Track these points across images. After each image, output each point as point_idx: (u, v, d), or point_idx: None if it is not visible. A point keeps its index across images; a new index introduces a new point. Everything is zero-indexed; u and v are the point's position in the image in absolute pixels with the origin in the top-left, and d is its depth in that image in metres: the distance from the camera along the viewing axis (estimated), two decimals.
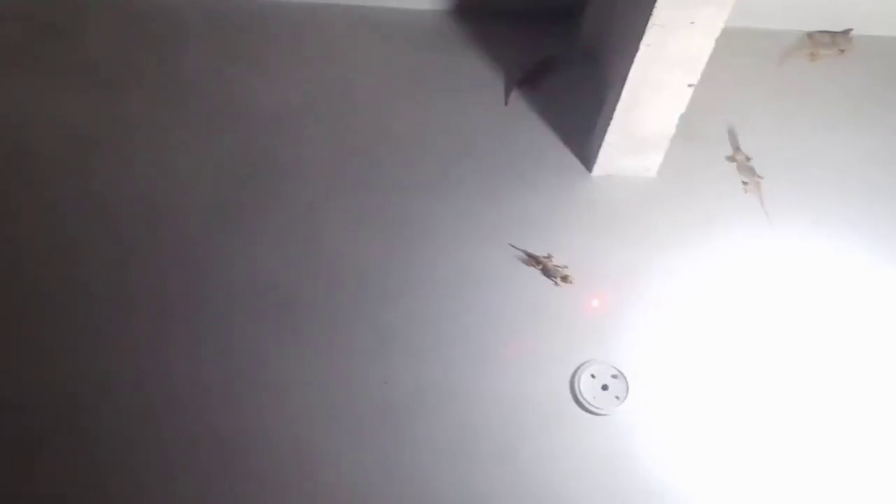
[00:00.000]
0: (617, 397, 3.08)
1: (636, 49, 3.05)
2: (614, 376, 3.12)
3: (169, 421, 2.98)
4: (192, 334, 3.14)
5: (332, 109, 3.70)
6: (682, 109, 3.30)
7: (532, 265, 3.32)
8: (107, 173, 3.49)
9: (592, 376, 3.11)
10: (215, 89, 3.73)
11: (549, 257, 3.32)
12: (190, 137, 3.59)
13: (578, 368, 3.13)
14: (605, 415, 3.06)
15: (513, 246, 3.35)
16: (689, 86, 3.20)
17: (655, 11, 2.92)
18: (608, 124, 3.36)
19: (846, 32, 4.07)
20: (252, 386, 3.05)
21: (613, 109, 3.30)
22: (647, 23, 2.96)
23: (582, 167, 3.61)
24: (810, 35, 4.07)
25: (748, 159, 3.66)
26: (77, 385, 3.03)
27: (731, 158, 3.68)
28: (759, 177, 3.61)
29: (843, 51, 4.05)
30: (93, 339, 3.12)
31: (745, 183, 3.61)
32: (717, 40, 3.03)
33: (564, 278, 3.27)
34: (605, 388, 3.09)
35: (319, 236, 3.37)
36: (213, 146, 3.57)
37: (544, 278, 3.30)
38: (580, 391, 3.07)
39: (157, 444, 2.94)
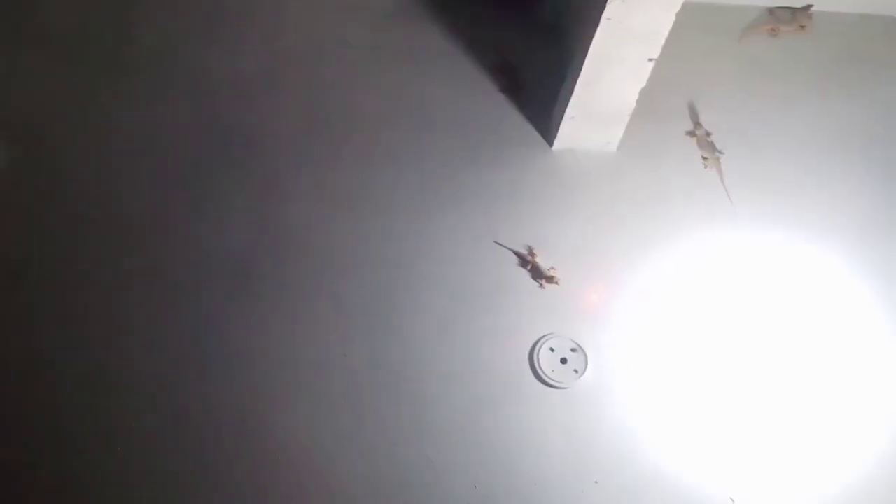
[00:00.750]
0: (576, 371, 3.09)
1: (597, 23, 3.05)
2: (573, 350, 3.13)
3: (128, 394, 2.96)
4: (152, 306, 3.12)
5: (294, 81, 3.69)
6: (643, 84, 3.30)
7: (522, 266, 3.31)
8: (61, 144, 3.45)
9: (551, 350, 3.12)
10: (174, 60, 3.70)
11: (533, 254, 3.32)
12: (148, 108, 3.56)
13: (538, 342, 3.13)
14: (563, 388, 3.07)
15: (499, 244, 3.35)
16: (650, 60, 3.19)
17: None
18: (569, 98, 3.36)
19: (806, 8, 4.09)
20: (213, 357, 3.03)
21: (574, 84, 3.29)
22: None
23: (543, 141, 3.61)
24: (771, 11, 4.09)
25: (708, 135, 3.68)
26: (32, 356, 3.01)
27: (691, 134, 3.69)
28: (719, 152, 3.63)
29: (803, 27, 4.07)
30: (49, 311, 3.10)
31: (704, 158, 3.62)
32: (678, 15, 3.02)
33: (550, 279, 3.27)
34: (563, 361, 3.10)
35: (281, 208, 3.35)
36: (172, 117, 3.55)
37: (505, 252, 3.31)
38: (539, 364, 3.08)
39: (115, 417, 2.92)
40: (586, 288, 3.27)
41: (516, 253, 3.32)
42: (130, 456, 2.87)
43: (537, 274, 3.27)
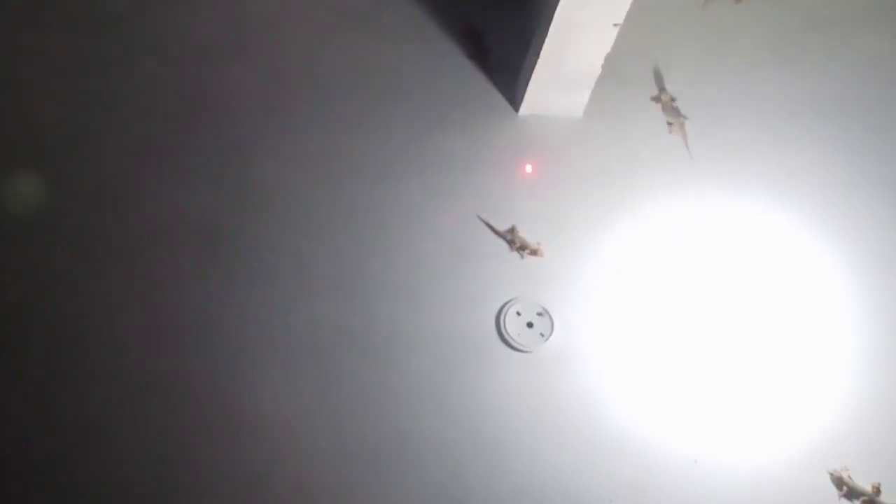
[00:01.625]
0: (542, 335, 3.12)
1: None
2: (539, 314, 3.15)
3: (95, 358, 2.96)
4: (116, 269, 3.12)
5: (261, 45, 3.67)
6: (608, 49, 3.31)
7: (504, 238, 3.33)
8: (28, 109, 3.42)
9: (518, 314, 3.14)
10: (140, 24, 3.68)
11: (512, 230, 3.33)
12: (114, 72, 3.54)
13: (504, 306, 3.15)
14: (529, 352, 3.09)
15: (481, 219, 3.35)
16: (615, 25, 3.20)
17: None
18: (535, 64, 3.37)
19: None
20: (181, 321, 3.04)
21: (540, 49, 3.30)
22: None
23: (509, 107, 3.62)
24: None
25: (673, 100, 3.69)
26: None
27: (656, 99, 3.71)
28: (683, 117, 3.64)
29: None
30: (12, 275, 3.09)
31: (669, 123, 3.64)
32: None
33: (534, 252, 3.29)
34: (530, 325, 3.13)
35: (248, 173, 3.35)
36: (139, 82, 3.53)
37: (474, 219, 3.32)
38: (506, 328, 3.10)
39: (83, 383, 2.92)
40: (552, 250, 3.28)
41: (499, 233, 3.33)
42: (98, 420, 2.87)
43: (522, 248, 3.29)
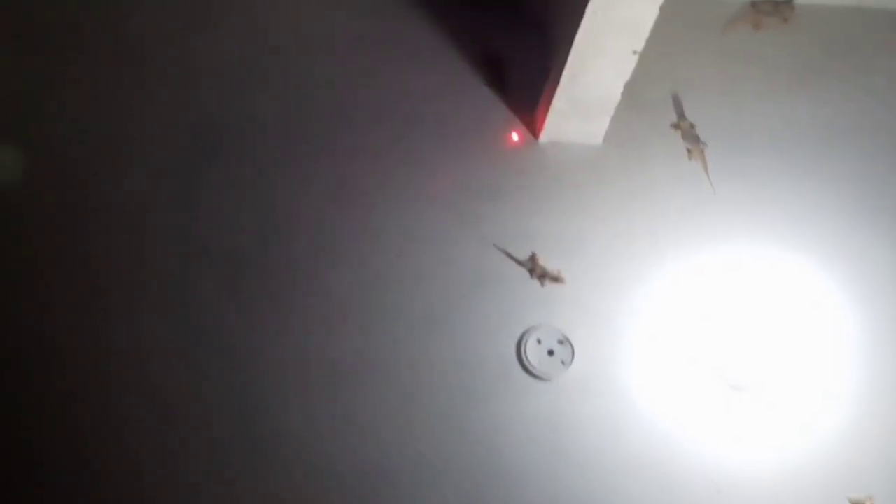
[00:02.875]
0: (563, 362, 3.10)
1: (581, 15, 3.06)
2: (560, 342, 3.14)
3: (118, 387, 2.96)
4: (140, 300, 3.12)
5: (283, 73, 3.68)
6: (628, 76, 3.31)
7: (524, 266, 3.32)
8: (50, 137, 3.44)
9: (538, 341, 3.13)
10: (162, 51, 3.69)
11: (533, 258, 3.32)
12: (137, 100, 3.55)
13: (524, 333, 3.14)
14: (550, 380, 3.08)
15: (501, 250, 3.35)
16: (634, 53, 3.21)
17: None
18: (554, 91, 3.37)
19: (789, 2, 4.11)
20: (203, 350, 3.03)
21: (560, 76, 3.30)
22: None
23: (529, 134, 3.62)
24: (754, 4, 4.11)
25: (692, 127, 3.69)
26: (15, 350, 3.01)
27: (675, 126, 3.70)
28: (703, 144, 3.64)
29: (786, 20, 4.09)
30: (35, 305, 3.10)
31: (689, 150, 3.64)
32: (662, 7, 3.04)
33: (555, 279, 3.29)
34: (551, 353, 3.12)
35: (270, 202, 3.35)
36: (161, 109, 3.54)
37: (493, 247, 3.32)
38: (526, 356, 3.09)
39: (105, 411, 2.92)
40: (573, 277, 3.28)
41: (519, 261, 3.32)
42: (121, 450, 2.87)
43: (542, 276, 3.28)
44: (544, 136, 3.58)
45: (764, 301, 3.33)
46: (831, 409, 3.15)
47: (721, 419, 3.08)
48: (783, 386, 3.17)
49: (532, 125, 3.62)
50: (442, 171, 3.39)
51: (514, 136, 3.57)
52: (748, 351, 3.23)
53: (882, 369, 3.23)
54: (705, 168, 3.59)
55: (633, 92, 3.41)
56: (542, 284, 3.26)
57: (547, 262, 3.28)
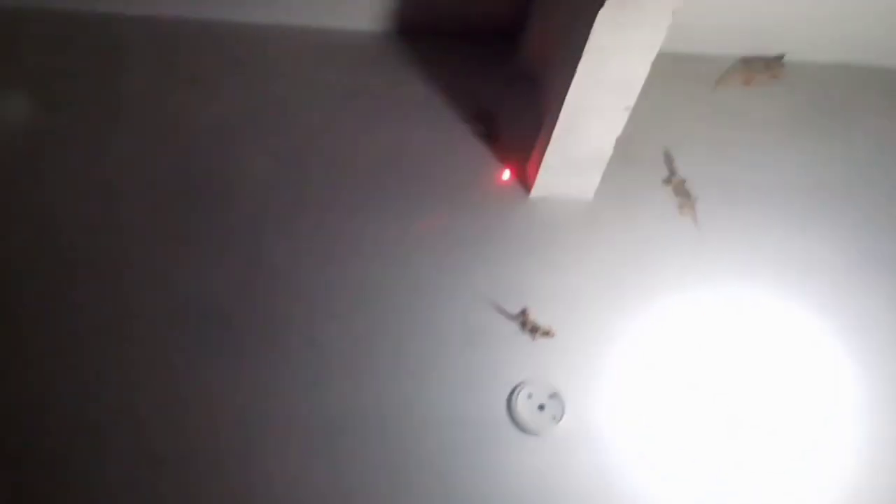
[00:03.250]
0: (553, 417, 3.10)
1: (573, 72, 3.08)
2: (551, 396, 3.13)
3: (102, 443, 2.95)
4: (126, 352, 3.11)
5: (272, 128, 3.69)
6: (619, 132, 3.33)
7: (515, 320, 3.32)
8: (42, 191, 3.45)
9: (529, 396, 3.13)
10: (153, 107, 3.71)
11: (524, 312, 3.33)
12: (127, 155, 3.56)
13: (515, 388, 3.14)
14: (540, 435, 3.07)
15: (488, 301, 3.35)
16: (626, 109, 3.23)
17: (592, 35, 2.95)
18: (546, 146, 3.39)
19: (779, 58, 4.15)
20: (190, 404, 3.02)
21: (551, 132, 3.32)
22: (584, 46, 3.00)
23: (520, 189, 3.64)
24: (745, 60, 4.15)
25: (684, 182, 3.71)
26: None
27: (666, 181, 3.72)
28: (693, 199, 3.66)
29: (776, 76, 4.13)
30: (21, 355, 3.09)
31: (680, 206, 3.65)
32: (653, 64, 3.07)
33: (546, 333, 3.29)
34: (541, 408, 3.11)
35: (255, 255, 3.36)
36: (151, 164, 3.55)
37: (482, 299, 3.32)
38: (517, 411, 3.08)
39: (89, 467, 2.91)
40: (564, 333, 3.28)
41: (510, 316, 3.32)
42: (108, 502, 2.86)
43: (533, 331, 3.28)
44: (536, 191, 3.59)
45: (758, 353, 3.33)
46: (827, 466, 3.14)
47: (715, 476, 3.07)
48: (777, 440, 3.17)
49: (524, 180, 3.64)
50: (433, 224, 3.40)
51: (505, 175, 3.58)
52: (743, 405, 3.22)
53: (879, 424, 3.23)
54: (696, 223, 3.60)
55: (625, 148, 3.42)
56: (533, 339, 3.26)
57: (538, 316, 3.28)
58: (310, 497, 2.90)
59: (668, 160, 3.78)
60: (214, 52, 3.91)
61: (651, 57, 3.05)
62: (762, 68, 4.13)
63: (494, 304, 3.32)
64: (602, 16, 2.90)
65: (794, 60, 4.15)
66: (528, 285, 3.38)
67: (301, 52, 3.96)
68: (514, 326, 3.27)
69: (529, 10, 3.86)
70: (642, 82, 3.15)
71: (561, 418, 3.10)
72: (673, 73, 3.91)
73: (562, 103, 3.21)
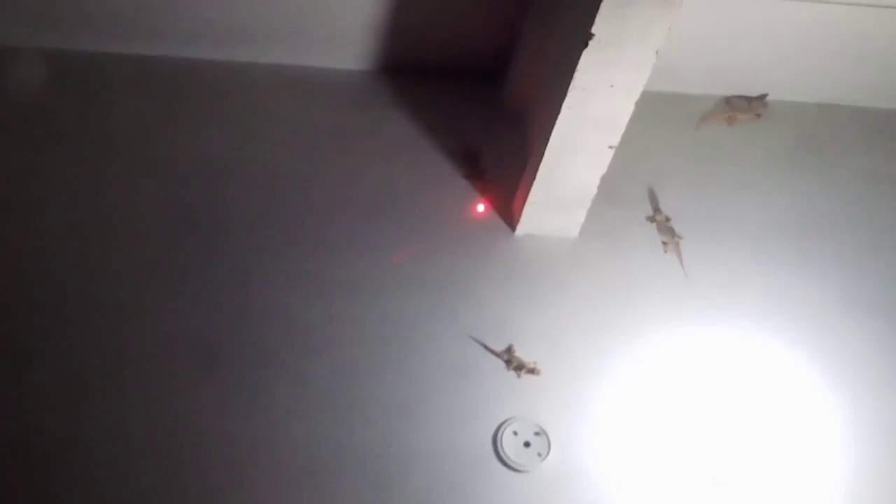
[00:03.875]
0: (539, 454, 3.10)
1: (558, 111, 3.11)
2: (537, 433, 3.13)
3: (89, 479, 2.93)
4: (113, 389, 3.10)
5: (257, 165, 3.71)
6: (604, 171, 3.35)
7: (500, 358, 3.34)
8: (24, 227, 3.45)
9: (515, 433, 3.12)
10: (139, 145, 3.71)
11: (509, 349, 3.34)
12: (112, 192, 3.56)
13: (501, 425, 3.14)
14: (526, 472, 3.07)
15: (474, 339, 3.37)
16: (610, 147, 3.26)
17: (577, 74, 2.99)
18: (531, 184, 3.41)
19: (762, 97, 4.19)
20: (176, 441, 3.00)
21: (536, 170, 3.35)
22: (568, 85, 3.03)
23: (505, 226, 3.65)
24: (728, 100, 4.19)
25: (668, 220, 3.73)
26: None
27: (651, 219, 3.75)
28: (678, 237, 3.68)
29: (759, 115, 4.17)
30: (12, 386, 3.08)
31: (664, 243, 3.67)
32: (638, 103, 3.10)
33: (532, 371, 3.30)
34: (527, 445, 3.11)
35: (243, 291, 3.36)
36: (136, 202, 3.55)
37: (470, 339, 3.33)
38: (502, 448, 3.08)
39: (78, 499, 2.89)
40: (549, 370, 3.28)
41: (496, 353, 3.33)
42: None
43: (519, 368, 3.29)
44: (521, 229, 3.61)
45: (743, 392, 3.34)
46: (813, 502, 3.14)
47: None
48: (762, 477, 3.17)
49: (509, 218, 3.66)
50: (406, 256, 3.41)
51: (480, 208, 3.59)
52: (728, 444, 3.22)
53: (864, 461, 3.24)
54: (681, 261, 3.62)
55: (610, 186, 3.46)
56: (519, 376, 3.27)
57: (524, 353, 3.29)
58: None
59: (653, 198, 3.80)
60: (201, 91, 3.93)
61: (635, 96, 3.09)
62: (745, 107, 4.17)
63: (480, 341, 3.33)
64: (586, 55, 2.94)
65: (777, 99, 4.20)
66: (514, 322, 3.39)
67: (285, 90, 3.99)
68: (499, 363, 3.28)
69: (514, 50, 3.90)
70: (626, 121, 3.18)
71: (546, 455, 3.10)
72: (657, 111, 3.94)
73: (547, 141, 3.24)
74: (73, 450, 2.97)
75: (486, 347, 3.32)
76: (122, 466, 2.95)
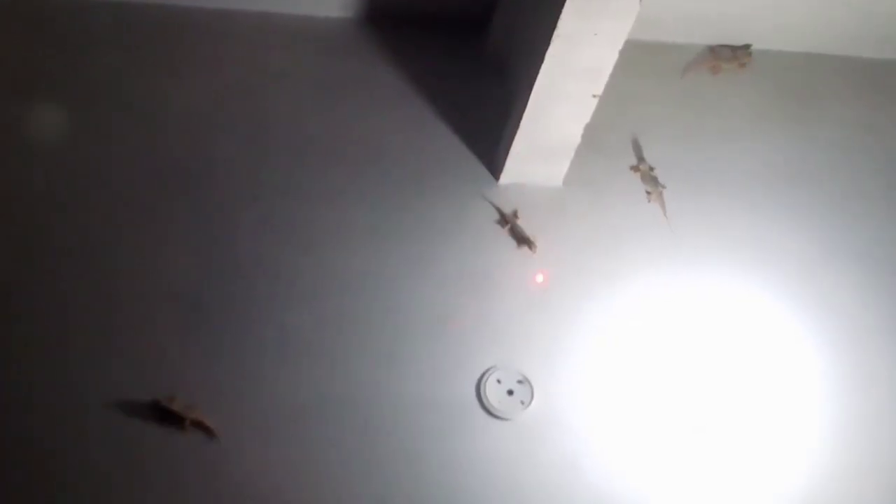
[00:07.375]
0: (522, 402, 3.12)
1: (541, 60, 3.11)
2: (520, 382, 3.15)
3: (74, 429, 2.94)
4: (98, 338, 3.11)
5: (242, 115, 3.69)
6: (587, 120, 3.35)
7: (501, 224, 3.45)
8: (10, 176, 3.44)
9: (498, 381, 3.15)
10: (124, 93, 3.69)
11: (516, 216, 3.44)
12: (98, 141, 3.55)
13: (484, 374, 3.16)
14: (509, 419, 3.09)
15: (487, 199, 3.49)
16: (594, 96, 3.25)
17: (560, 23, 2.98)
18: (515, 133, 3.41)
19: (746, 47, 4.18)
20: (158, 389, 3.01)
21: (520, 119, 3.34)
22: (551, 34, 3.02)
23: (489, 175, 3.65)
24: (712, 49, 4.17)
25: (651, 169, 3.73)
26: None
27: (634, 168, 3.75)
28: (661, 186, 3.68)
29: (743, 65, 4.16)
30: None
31: (648, 192, 3.68)
32: (622, 53, 3.10)
33: (530, 244, 3.40)
34: (510, 393, 3.13)
35: (229, 241, 3.36)
36: (122, 150, 3.54)
37: (453, 285, 3.34)
38: (486, 396, 3.10)
39: (60, 455, 2.91)
40: (532, 319, 3.30)
41: (499, 211, 3.45)
42: (76, 497, 2.86)
43: (517, 236, 3.40)
44: (504, 178, 3.61)
45: (725, 340, 3.37)
46: (795, 452, 3.18)
47: (682, 461, 3.11)
48: (746, 424, 3.20)
49: (493, 167, 3.65)
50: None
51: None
52: (710, 392, 3.25)
53: (846, 407, 3.28)
54: (663, 210, 3.63)
55: (593, 135, 3.45)
56: (518, 247, 3.41)
57: (504, 302, 3.31)
58: (280, 480, 2.91)
59: (636, 147, 3.80)
60: (183, 38, 3.89)
61: (619, 45, 3.08)
62: (729, 57, 4.16)
63: (491, 201, 3.53)
64: (570, 3, 2.92)
65: (761, 49, 4.18)
66: (499, 271, 3.40)
67: (271, 38, 3.96)
68: (484, 312, 3.29)
69: None
70: (610, 71, 3.17)
71: (529, 403, 3.12)
72: (640, 61, 3.92)
73: (530, 91, 3.23)
74: (56, 398, 2.99)
75: (497, 209, 3.48)
76: (105, 417, 2.97)
